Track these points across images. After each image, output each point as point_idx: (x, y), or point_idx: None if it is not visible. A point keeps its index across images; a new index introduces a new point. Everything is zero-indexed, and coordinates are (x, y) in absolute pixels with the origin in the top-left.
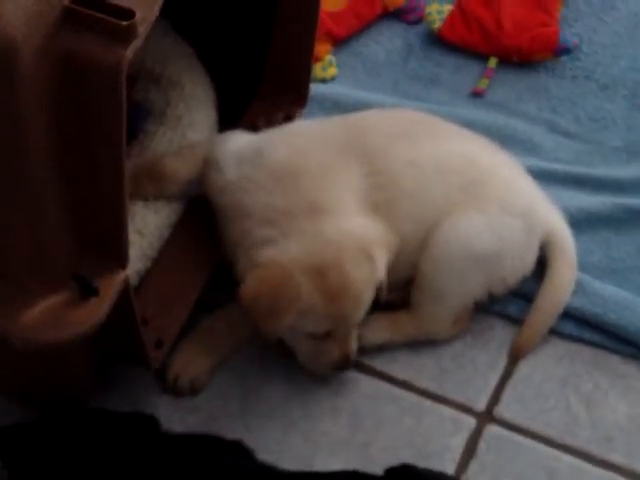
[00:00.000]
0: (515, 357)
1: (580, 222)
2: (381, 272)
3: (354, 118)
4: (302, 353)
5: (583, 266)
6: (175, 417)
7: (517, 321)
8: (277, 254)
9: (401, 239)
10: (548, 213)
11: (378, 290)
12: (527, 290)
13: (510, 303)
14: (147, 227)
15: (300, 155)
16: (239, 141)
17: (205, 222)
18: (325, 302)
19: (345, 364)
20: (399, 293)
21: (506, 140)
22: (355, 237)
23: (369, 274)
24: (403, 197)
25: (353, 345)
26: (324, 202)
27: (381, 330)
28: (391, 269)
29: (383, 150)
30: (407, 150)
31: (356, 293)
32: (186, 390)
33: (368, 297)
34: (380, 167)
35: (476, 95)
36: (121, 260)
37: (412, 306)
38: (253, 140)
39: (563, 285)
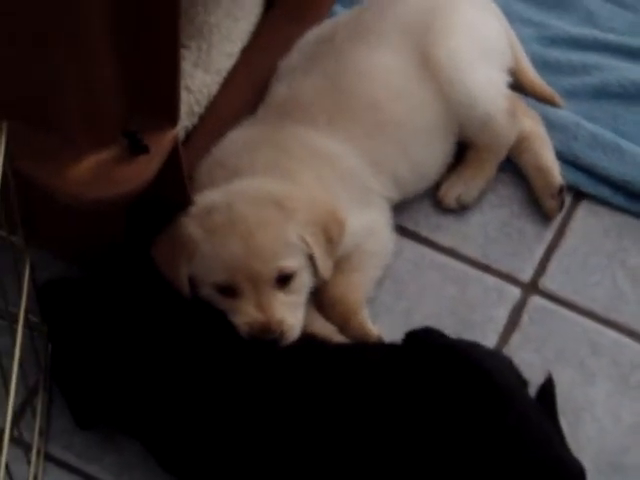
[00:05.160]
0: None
1: (633, 95)
2: (298, 224)
3: None
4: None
5: (632, 141)
6: None
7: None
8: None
9: None
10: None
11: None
12: (573, 155)
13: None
14: (195, 84)
15: None
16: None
17: (251, 83)
18: (209, 240)
19: (265, 331)
20: None
21: (560, 6)
22: (261, 188)
23: (270, 217)
24: None
25: (279, 313)
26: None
27: (471, 182)
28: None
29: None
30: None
31: (245, 232)
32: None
33: (267, 242)
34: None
35: None
36: (172, 118)
37: (469, 143)
38: None
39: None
